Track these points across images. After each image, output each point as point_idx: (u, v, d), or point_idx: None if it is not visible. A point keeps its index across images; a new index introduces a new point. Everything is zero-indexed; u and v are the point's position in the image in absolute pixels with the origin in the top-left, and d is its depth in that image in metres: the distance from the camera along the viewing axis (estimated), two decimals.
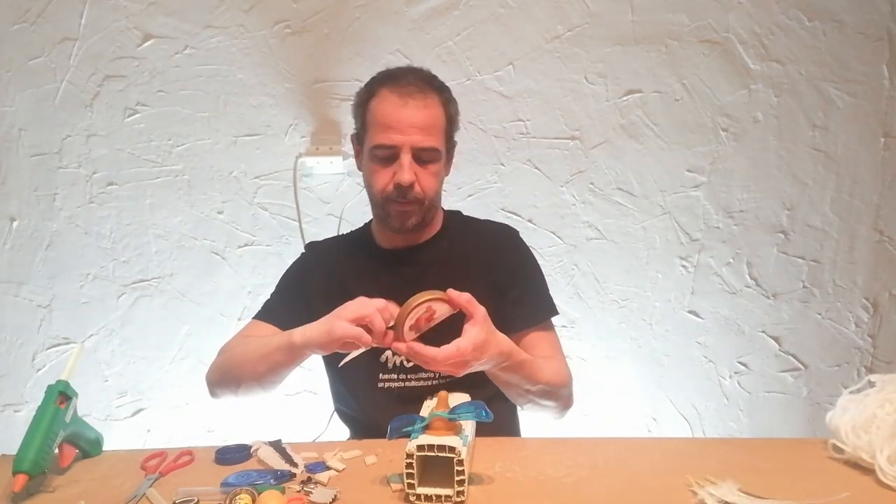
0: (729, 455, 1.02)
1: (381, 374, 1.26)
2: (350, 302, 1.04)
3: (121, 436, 1.92)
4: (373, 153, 1.22)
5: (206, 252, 1.90)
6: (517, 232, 1.38)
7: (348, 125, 1.85)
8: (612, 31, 1.83)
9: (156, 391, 1.93)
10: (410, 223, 1.24)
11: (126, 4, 1.78)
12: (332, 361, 1.33)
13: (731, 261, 1.93)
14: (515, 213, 1.89)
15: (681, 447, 1.16)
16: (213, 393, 1.29)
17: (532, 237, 1.85)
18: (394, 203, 1.22)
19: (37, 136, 1.83)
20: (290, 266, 1.40)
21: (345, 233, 1.49)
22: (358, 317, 1.00)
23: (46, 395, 1.01)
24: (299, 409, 1.90)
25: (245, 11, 1.80)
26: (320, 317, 1.29)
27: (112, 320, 1.90)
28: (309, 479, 0.95)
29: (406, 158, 1.18)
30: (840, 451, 0.97)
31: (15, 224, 1.86)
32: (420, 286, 1.24)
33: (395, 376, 1.25)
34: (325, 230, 1.85)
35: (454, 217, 1.39)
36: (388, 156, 1.20)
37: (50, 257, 1.88)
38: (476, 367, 1.02)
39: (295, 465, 1.00)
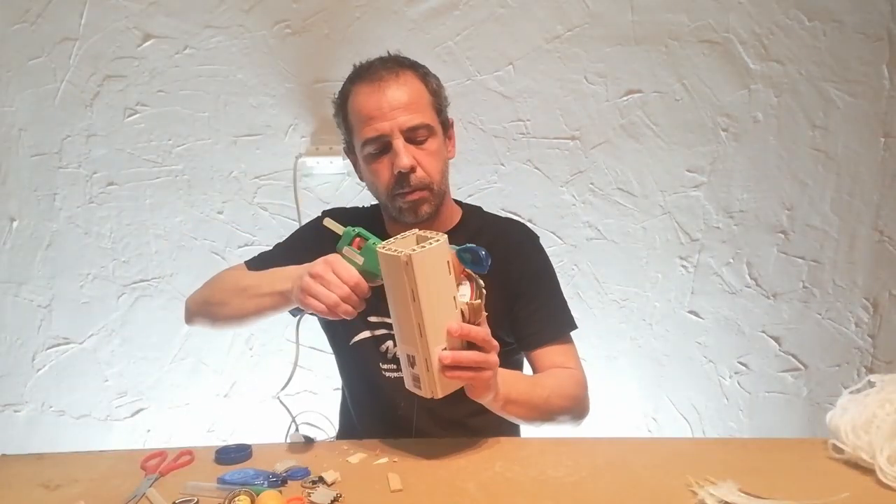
0: (729, 455, 1.02)
1: (381, 364, 1.26)
2: (322, 259, 1.03)
3: (121, 436, 1.92)
4: (365, 152, 1.17)
5: (206, 252, 1.90)
6: (538, 237, 1.33)
7: None
8: (612, 31, 1.82)
9: (156, 391, 1.93)
10: (424, 212, 1.17)
11: (126, 4, 1.78)
12: (337, 342, 1.33)
13: (731, 261, 1.92)
14: (515, 213, 1.89)
15: (681, 447, 1.16)
16: (189, 320, 1.29)
17: None
18: (400, 196, 1.16)
19: (37, 136, 1.83)
20: (303, 227, 1.39)
21: (363, 206, 1.41)
22: (321, 278, 1.00)
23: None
24: (299, 409, 1.89)
25: (245, 11, 1.80)
26: None
27: (112, 320, 1.90)
28: (311, 480, 0.95)
29: (398, 143, 1.12)
30: (840, 451, 0.97)
31: (15, 224, 1.86)
32: None
33: (393, 366, 1.24)
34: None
35: (473, 212, 1.34)
36: (381, 148, 1.15)
37: (50, 257, 1.88)
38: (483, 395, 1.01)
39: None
